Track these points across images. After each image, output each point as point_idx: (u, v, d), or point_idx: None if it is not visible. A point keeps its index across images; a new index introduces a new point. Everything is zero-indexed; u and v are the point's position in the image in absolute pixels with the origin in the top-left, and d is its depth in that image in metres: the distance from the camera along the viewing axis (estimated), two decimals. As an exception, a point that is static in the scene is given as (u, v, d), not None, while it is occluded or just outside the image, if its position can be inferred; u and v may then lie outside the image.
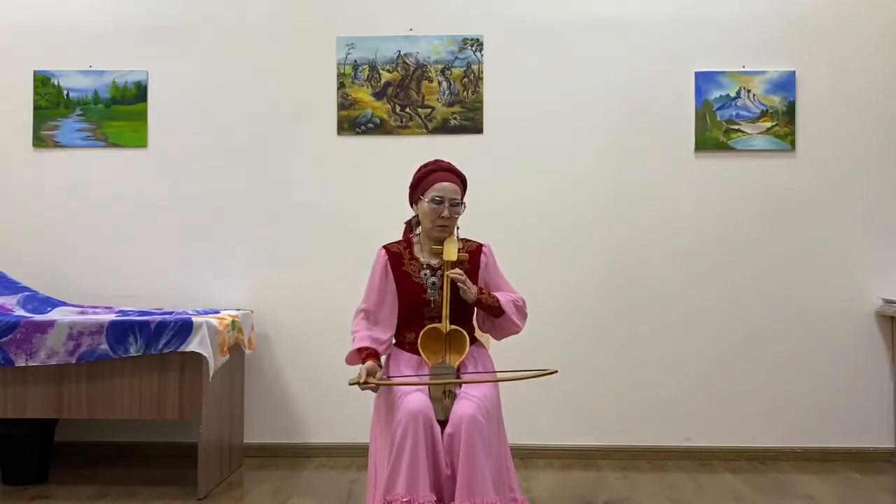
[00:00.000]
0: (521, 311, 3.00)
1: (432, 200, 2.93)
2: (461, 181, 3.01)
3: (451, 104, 4.37)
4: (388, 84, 4.38)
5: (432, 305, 2.93)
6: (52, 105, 4.42)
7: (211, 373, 3.62)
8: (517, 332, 3.02)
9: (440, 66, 4.37)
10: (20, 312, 3.91)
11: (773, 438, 4.28)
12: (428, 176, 2.97)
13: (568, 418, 4.31)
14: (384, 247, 3.04)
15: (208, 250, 4.39)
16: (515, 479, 2.93)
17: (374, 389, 2.81)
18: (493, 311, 2.93)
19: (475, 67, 4.37)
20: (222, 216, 4.39)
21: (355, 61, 4.38)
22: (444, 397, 2.76)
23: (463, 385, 2.81)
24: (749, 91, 4.32)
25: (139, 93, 4.41)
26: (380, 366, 2.87)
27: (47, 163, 4.42)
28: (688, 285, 4.31)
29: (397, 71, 4.38)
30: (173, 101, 4.41)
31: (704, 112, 4.33)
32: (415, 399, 2.70)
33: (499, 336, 3.05)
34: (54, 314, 3.94)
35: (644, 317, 4.31)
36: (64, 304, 4.18)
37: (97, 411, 3.62)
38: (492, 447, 2.72)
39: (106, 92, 4.41)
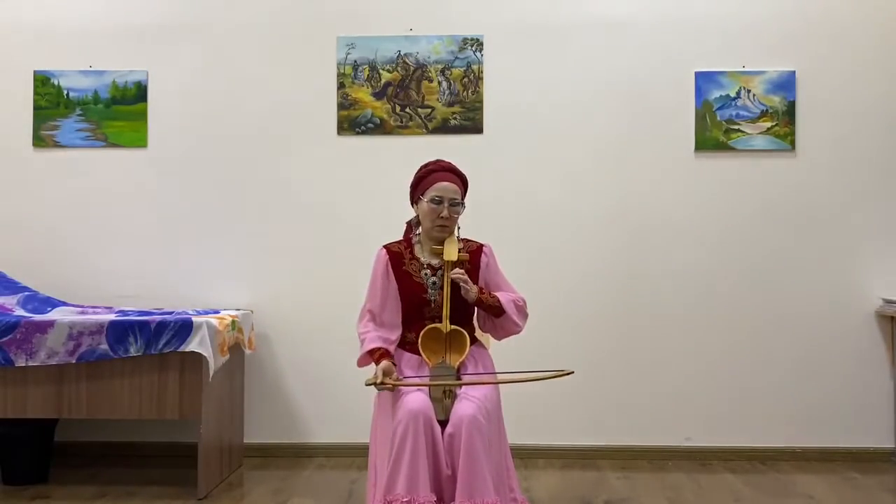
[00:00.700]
0: (522, 310, 3.00)
1: (432, 200, 2.93)
2: (461, 181, 3.02)
3: (451, 104, 4.37)
4: (388, 84, 4.38)
5: (433, 305, 2.93)
6: (52, 105, 4.42)
7: (211, 373, 3.62)
8: (518, 332, 3.02)
9: (440, 66, 4.37)
10: (20, 312, 3.91)
11: (773, 438, 4.28)
12: (428, 175, 2.98)
13: (568, 418, 4.31)
14: (385, 246, 3.04)
15: (208, 250, 4.39)
16: (515, 479, 2.93)
17: (391, 389, 2.80)
18: (494, 311, 2.94)
19: (475, 67, 4.37)
20: (222, 216, 4.39)
21: (355, 61, 4.38)
22: (444, 397, 2.75)
23: (464, 385, 2.81)
24: (749, 91, 4.32)
25: (139, 93, 4.41)
26: (394, 364, 2.86)
27: (47, 163, 4.42)
28: (688, 285, 4.31)
29: (397, 71, 4.38)
30: (173, 101, 4.41)
31: (704, 112, 4.33)
32: (415, 399, 2.70)
33: (499, 336, 3.05)
34: (54, 314, 3.94)
35: (644, 316, 4.31)
36: (64, 304, 4.18)
37: (97, 411, 3.62)
38: (492, 447, 2.72)
39: (106, 92, 4.41)
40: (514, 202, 4.33)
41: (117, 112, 4.42)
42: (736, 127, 4.32)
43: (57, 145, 4.42)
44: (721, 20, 4.34)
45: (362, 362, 2.93)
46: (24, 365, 3.59)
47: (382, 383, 2.76)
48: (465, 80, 4.36)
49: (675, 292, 4.32)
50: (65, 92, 4.42)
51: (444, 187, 2.94)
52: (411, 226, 3.12)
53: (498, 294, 2.96)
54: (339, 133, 4.39)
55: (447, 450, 2.67)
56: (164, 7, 4.42)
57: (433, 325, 2.88)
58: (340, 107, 4.39)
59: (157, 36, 4.42)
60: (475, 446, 2.64)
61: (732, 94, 4.32)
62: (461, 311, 2.93)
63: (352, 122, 4.38)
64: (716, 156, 4.34)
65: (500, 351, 3.15)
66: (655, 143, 4.34)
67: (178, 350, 3.58)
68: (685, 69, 4.34)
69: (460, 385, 2.80)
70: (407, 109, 4.38)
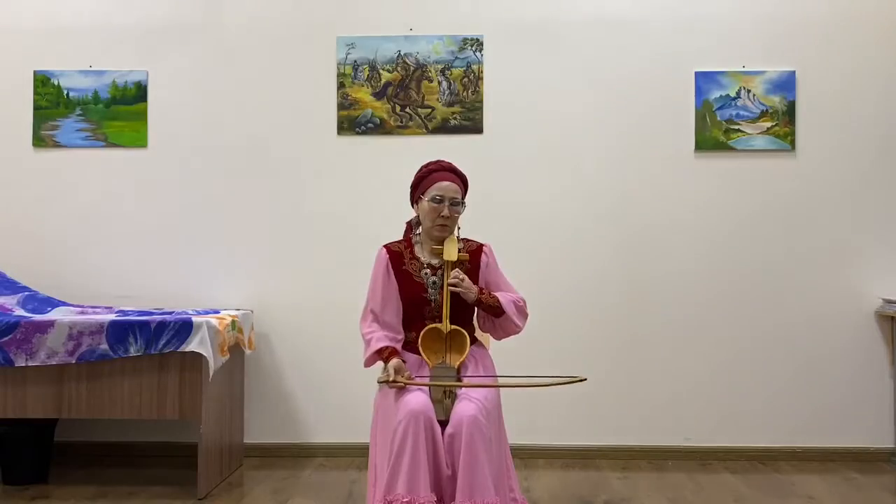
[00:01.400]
0: (522, 311, 3.00)
1: (432, 199, 2.93)
2: (462, 181, 3.02)
3: (451, 104, 4.37)
4: (388, 84, 4.38)
5: (433, 305, 2.93)
6: (52, 105, 4.42)
7: (211, 373, 3.62)
8: (517, 332, 3.02)
9: (440, 66, 4.37)
10: (20, 312, 3.91)
11: (773, 438, 4.28)
12: (428, 175, 2.98)
13: (568, 418, 4.31)
14: (385, 246, 3.04)
15: (208, 250, 4.39)
16: (515, 479, 2.93)
17: (403, 387, 2.78)
18: (494, 312, 2.94)
19: (475, 67, 4.37)
20: (222, 216, 4.39)
21: (355, 61, 4.38)
22: (444, 397, 2.75)
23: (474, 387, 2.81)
24: (749, 91, 4.32)
25: (139, 93, 4.41)
26: (404, 362, 2.86)
27: (47, 163, 4.42)
28: (687, 285, 4.32)
29: (397, 71, 4.38)
30: (173, 101, 4.41)
31: (704, 112, 4.33)
32: (415, 399, 2.70)
33: (499, 336, 3.05)
34: (54, 314, 3.94)
35: (644, 316, 4.31)
36: (64, 304, 4.18)
37: (97, 411, 3.62)
38: (492, 447, 2.72)
39: (106, 92, 4.42)
40: (514, 202, 4.33)
41: (117, 112, 4.42)
42: (736, 127, 4.32)
43: (57, 145, 4.43)
44: (721, 20, 4.34)
45: (370, 362, 2.92)
46: (24, 365, 3.59)
47: (394, 381, 2.76)
48: (465, 80, 4.37)
49: (675, 292, 4.32)
50: (65, 92, 4.42)
51: (445, 187, 2.95)
52: (411, 226, 3.12)
53: (498, 294, 2.96)
54: (339, 133, 4.39)
55: (448, 450, 2.67)
56: (164, 7, 4.42)
57: (433, 325, 2.88)
58: (340, 107, 4.39)
59: (157, 36, 4.42)
60: (476, 446, 2.64)
61: (732, 94, 4.32)
62: (461, 311, 2.93)
63: (352, 122, 4.38)
64: (716, 156, 4.34)
65: (501, 351, 3.15)
66: (655, 143, 4.34)
67: (178, 350, 3.58)
68: (685, 69, 4.34)
69: (473, 387, 2.79)
70: (407, 109, 4.38)
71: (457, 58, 4.37)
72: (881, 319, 4.29)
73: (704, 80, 4.32)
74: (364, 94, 4.38)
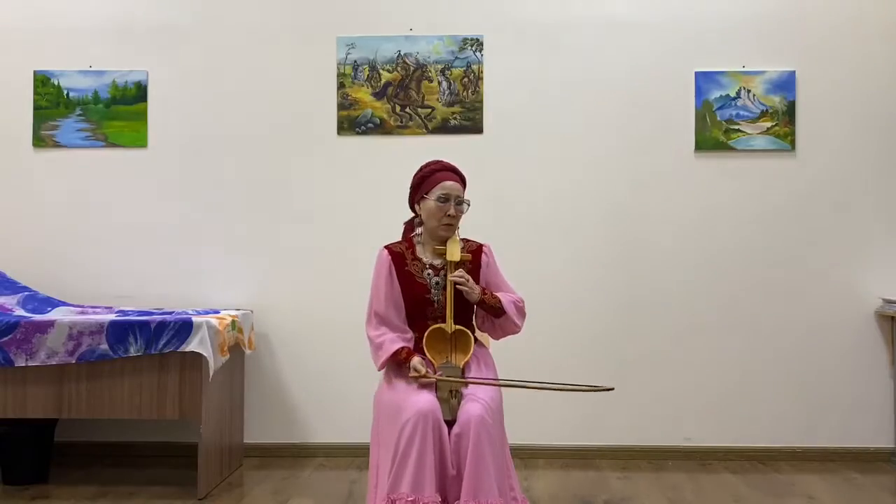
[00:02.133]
0: (521, 311, 3.01)
1: (438, 199, 2.94)
2: (462, 180, 3.03)
3: (451, 104, 4.37)
4: (388, 84, 4.38)
5: (436, 306, 2.94)
6: (52, 105, 4.42)
7: (211, 373, 3.62)
8: (517, 333, 3.02)
9: (440, 66, 4.37)
10: (20, 312, 3.91)
11: (773, 438, 4.28)
12: (431, 175, 2.98)
13: (568, 418, 4.31)
14: (386, 247, 3.03)
15: (208, 250, 4.39)
16: (515, 479, 2.93)
17: (434, 382, 2.78)
18: (495, 312, 2.94)
19: (475, 67, 4.37)
20: (222, 216, 4.39)
21: (355, 61, 4.38)
22: (450, 397, 2.76)
23: (470, 385, 2.81)
24: (749, 91, 4.32)
25: (139, 93, 4.41)
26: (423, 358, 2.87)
27: (47, 163, 4.42)
28: (687, 284, 4.31)
29: (397, 71, 4.38)
30: (173, 101, 4.41)
31: (704, 112, 4.33)
32: (423, 399, 2.71)
33: (497, 336, 3.05)
34: (54, 314, 3.94)
35: (643, 316, 4.31)
36: (64, 304, 4.18)
37: (97, 411, 3.62)
38: (495, 448, 2.72)
39: (106, 92, 4.42)
40: (514, 202, 4.33)
41: (117, 112, 4.42)
42: (736, 127, 4.32)
43: (57, 145, 4.42)
44: (721, 20, 4.34)
45: (384, 365, 2.91)
46: (24, 365, 3.59)
47: (425, 376, 2.76)
48: (465, 80, 4.37)
49: (675, 292, 4.32)
50: (65, 92, 4.42)
51: (450, 186, 2.96)
52: (412, 226, 3.11)
53: (499, 295, 2.97)
54: (339, 133, 4.39)
55: (454, 450, 2.68)
56: (164, 7, 4.42)
57: (437, 326, 2.89)
58: (340, 107, 4.39)
59: (157, 36, 4.42)
60: (482, 447, 2.64)
61: (732, 94, 4.32)
62: (462, 311, 2.93)
63: (352, 122, 4.38)
64: (716, 156, 4.34)
65: (501, 351, 3.15)
66: (655, 143, 4.34)
67: (178, 350, 3.58)
68: (685, 69, 4.34)
69: (497, 384, 2.82)
70: (407, 109, 4.38)
71: (457, 58, 4.37)
72: (881, 319, 4.29)
73: (704, 80, 4.32)
74: (364, 94, 4.38)
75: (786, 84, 4.32)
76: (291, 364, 4.36)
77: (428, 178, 2.99)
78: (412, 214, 3.10)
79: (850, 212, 4.31)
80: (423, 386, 2.78)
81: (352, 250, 4.26)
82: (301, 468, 4.13)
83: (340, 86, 4.39)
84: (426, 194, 2.97)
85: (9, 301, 4.00)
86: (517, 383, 2.84)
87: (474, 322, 3.06)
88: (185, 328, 3.59)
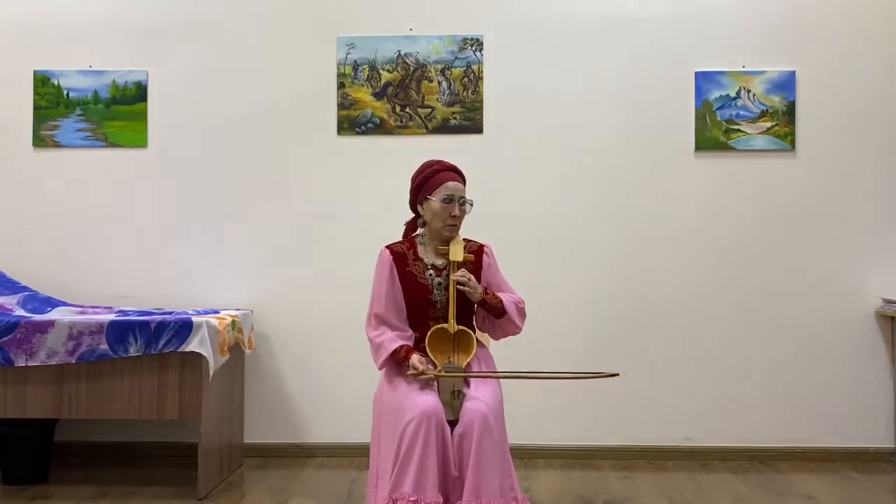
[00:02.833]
0: (522, 312, 3.01)
1: (443, 199, 2.94)
2: (464, 180, 3.04)
3: (451, 104, 4.37)
4: (388, 84, 4.38)
5: (437, 306, 2.94)
6: (52, 105, 4.42)
7: (211, 373, 3.62)
8: (517, 333, 3.03)
9: (440, 66, 4.37)
10: (20, 312, 3.91)
11: (773, 438, 4.28)
12: (433, 176, 2.98)
13: (568, 418, 4.31)
14: (387, 247, 3.04)
15: (208, 250, 4.39)
16: (516, 479, 2.93)
17: (433, 379, 2.79)
18: (496, 312, 2.94)
19: (475, 67, 4.37)
20: (222, 216, 4.39)
21: (355, 61, 4.38)
22: (453, 398, 2.76)
23: (471, 386, 2.81)
24: (749, 91, 4.32)
25: (139, 93, 4.41)
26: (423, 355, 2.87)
27: (47, 163, 4.42)
28: (687, 285, 4.31)
29: (397, 71, 4.38)
30: (173, 101, 4.41)
31: (704, 112, 4.33)
32: (426, 399, 2.71)
33: (497, 336, 3.06)
34: (54, 314, 3.94)
35: (643, 316, 4.31)
36: (64, 304, 4.18)
37: (97, 411, 3.62)
38: (497, 448, 2.72)
39: (106, 92, 4.42)
40: (514, 202, 4.33)
41: (117, 112, 4.42)
42: (736, 127, 4.32)
43: (57, 145, 4.42)
44: (721, 20, 4.34)
45: (385, 364, 2.92)
46: (24, 365, 3.59)
47: (423, 373, 2.77)
48: (465, 80, 4.37)
49: (675, 292, 4.31)
50: (65, 92, 4.42)
51: (454, 186, 2.96)
52: (414, 226, 3.11)
53: (500, 295, 2.97)
54: (339, 133, 4.39)
55: (456, 450, 2.68)
56: (164, 7, 4.42)
57: (440, 326, 2.89)
58: (340, 107, 4.39)
59: (157, 36, 4.42)
60: (485, 447, 2.65)
61: (732, 94, 4.32)
62: (463, 312, 2.93)
63: (352, 122, 4.38)
64: (716, 156, 4.34)
65: (501, 351, 3.15)
66: (655, 143, 4.34)
67: (178, 350, 3.58)
68: (685, 69, 4.34)
69: (504, 377, 2.85)
70: (407, 109, 4.38)
71: (457, 58, 4.37)
72: (881, 319, 4.29)
73: (704, 80, 4.32)
74: (364, 94, 4.38)
75: (786, 84, 4.32)
76: (291, 364, 4.36)
77: (431, 178, 2.98)
78: (413, 214, 3.10)
79: (850, 212, 4.31)
80: (425, 385, 2.78)
81: (352, 250, 4.26)
82: (301, 468, 4.13)
83: (340, 86, 4.39)
84: (430, 195, 2.97)
85: (9, 301, 4.00)
86: (519, 375, 2.84)
87: (475, 322, 3.06)
88: (185, 328, 3.59)
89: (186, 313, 3.90)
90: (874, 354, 4.28)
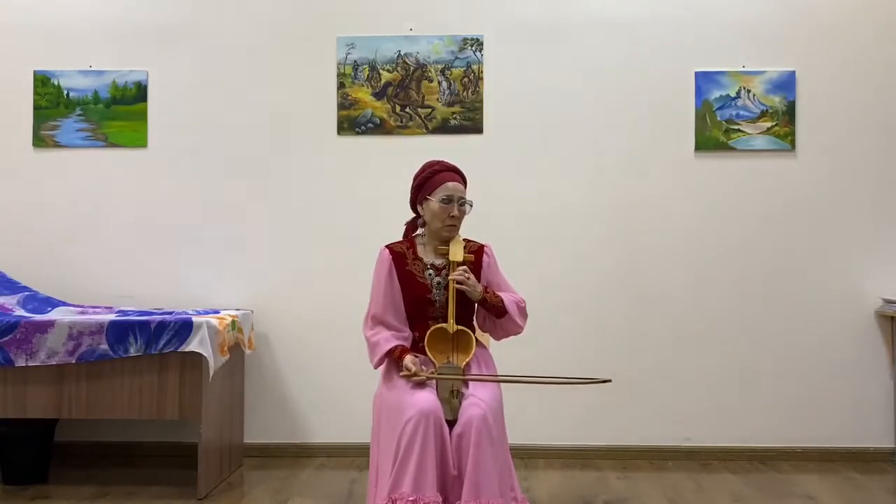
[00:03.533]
0: (523, 311, 3.01)
1: (442, 200, 2.94)
2: (464, 181, 3.04)
3: (451, 104, 4.37)
4: (388, 84, 4.38)
5: (437, 306, 2.94)
6: (52, 105, 4.42)
7: (211, 373, 3.62)
8: (518, 333, 3.02)
9: (440, 66, 4.37)
10: (20, 312, 3.91)
11: (773, 438, 4.28)
12: (433, 176, 2.99)
13: (568, 418, 4.31)
14: (387, 246, 3.04)
15: (208, 250, 4.39)
16: (516, 479, 2.93)
17: (426, 381, 2.79)
18: (497, 311, 2.94)
19: (475, 67, 4.37)
20: (222, 216, 4.39)
21: (355, 61, 4.38)
22: (451, 397, 2.76)
23: (470, 386, 2.82)
24: (749, 91, 4.32)
25: (139, 93, 4.41)
26: (416, 356, 2.88)
27: (47, 163, 4.42)
28: (687, 284, 4.31)
29: (397, 71, 4.38)
30: (173, 101, 4.41)
31: (704, 112, 4.33)
32: (425, 398, 2.71)
33: (499, 336, 3.05)
34: (54, 314, 3.94)
35: (644, 316, 4.31)
36: (64, 304, 4.18)
37: (97, 411, 3.62)
38: (496, 447, 2.72)
39: (106, 92, 4.41)
40: (514, 202, 4.33)
41: (117, 112, 4.42)
42: (736, 127, 4.32)
43: (57, 145, 4.42)
44: (721, 20, 4.34)
45: (380, 363, 2.92)
46: (24, 365, 3.59)
47: (415, 374, 2.77)
48: (465, 80, 4.37)
49: (675, 291, 4.31)
50: (65, 92, 4.42)
51: (453, 187, 2.97)
52: (414, 226, 3.11)
53: (501, 294, 2.97)
54: (339, 133, 4.39)
55: (455, 450, 2.68)
56: (164, 7, 4.42)
57: (439, 326, 2.89)
58: (340, 107, 4.39)
59: (157, 36, 4.42)
60: (483, 447, 2.65)
61: (732, 94, 4.32)
62: (463, 312, 2.93)
63: (352, 122, 4.38)
64: (716, 156, 4.34)
65: (501, 351, 3.15)
66: (655, 143, 4.34)
67: (178, 350, 3.58)
68: (685, 69, 4.34)
69: (494, 380, 2.83)
70: (407, 109, 4.38)
71: (457, 58, 4.37)
72: (881, 319, 4.29)
73: (704, 80, 4.32)
74: (364, 94, 4.38)
75: (786, 84, 4.32)
76: (291, 364, 4.36)
77: (430, 178, 2.99)
78: (413, 214, 3.10)
79: (850, 212, 4.31)
80: (420, 385, 2.78)
81: (352, 250, 4.26)
82: (301, 468, 4.13)
83: (340, 86, 4.39)
84: (429, 195, 2.97)
85: (9, 301, 4.00)
86: (513, 378, 2.84)
87: (475, 322, 3.06)
88: (185, 328, 3.59)
89: (186, 313, 3.90)
90: (874, 354, 4.28)
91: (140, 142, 4.41)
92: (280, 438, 4.34)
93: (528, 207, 4.33)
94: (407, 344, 2.92)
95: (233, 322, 3.91)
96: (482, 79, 4.37)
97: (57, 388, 3.61)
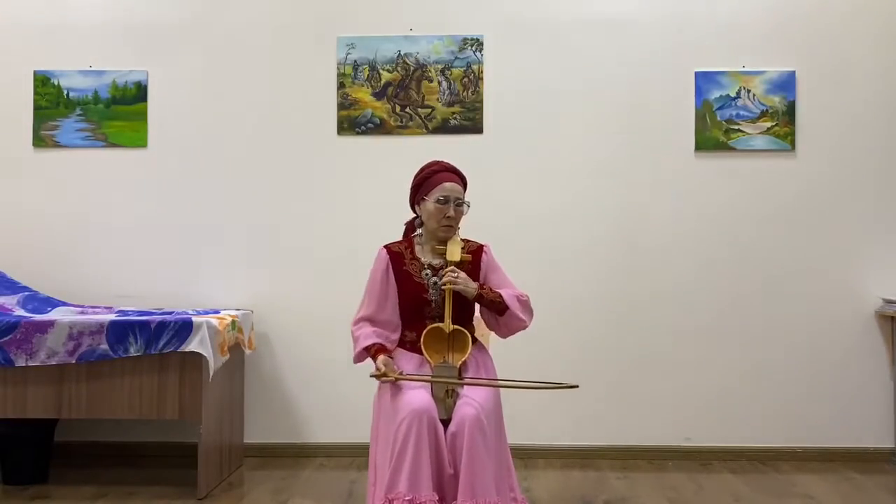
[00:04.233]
0: (526, 305, 2.99)
1: (437, 200, 2.94)
2: (462, 181, 3.03)
3: (451, 104, 4.37)
4: (388, 84, 4.38)
5: (433, 305, 2.94)
6: (52, 105, 4.42)
7: (211, 373, 3.62)
8: (524, 328, 3.01)
9: (440, 66, 4.37)
10: (20, 312, 3.91)
11: (773, 438, 4.28)
12: (431, 177, 2.99)
13: (568, 418, 4.31)
14: (385, 246, 3.05)
15: (208, 250, 4.39)
16: (515, 479, 2.93)
17: (394, 382, 2.80)
18: (497, 307, 2.93)
19: (475, 67, 4.37)
20: (222, 216, 4.39)
21: (355, 61, 4.38)
22: (446, 397, 2.76)
23: (465, 385, 2.81)
24: (749, 91, 4.32)
25: (139, 93, 4.41)
26: (392, 358, 2.88)
27: (47, 163, 4.42)
28: (687, 284, 4.31)
29: (397, 71, 4.38)
30: (173, 101, 4.41)
31: (704, 112, 4.33)
32: (418, 397, 2.71)
33: (504, 334, 3.04)
34: (54, 314, 3.94)
35: (643, 316, 4.31)
36: (64, 304, 4.18)
37: (97, 411, 3.62)
38: (492, 447, 2.72)
39: (106, 92, 4.41)
40: (514, 202, 4.33)
41: (117, 112, 4.42)
42: (736, 127, 4.32)
43: (57, 145, 4.42)
44: (721, 20, 4.34)
45: (358, 359, 2.95)
46: (24, 365, 3.59)
47: (385, 375, 2.77)
48: (465, 80, 4.36)
49: (675, 292, 4.31)
50: (65, 92, 4.42)
51: (450, 188, 2.96)
52: (412, 226, 3.12)
53: (500, 290, 2.96)
54: (339, 133, 4.39)
55: (450, 449, 2.68)
56: (164, 7, 4.42)
57: (435, 325, 2.89)
58: (340, 107, 4.39)
59: (157, 36, 4.42)
60: (477, 446, 2.65)
61: (732, 94, 4.32)
62: (461, 311, 2.93)
63: (352, 122, 4.38)
64: (716, 156, 4.34)
65: (501, 351, 3.15)
66: (655, 144, 4.34)
67: (178, 350, 3.58)
68: (685, 69, 4.33)
69: (462, 384, 2.81)
70: (407, 109, 4.38)
71: (457, 58, 4.37)
72: (881, 319, 4.29)
73: (704, 80, 4.32)
74: (364, 94, 4.38)
75: (786, 84, 4.32)
76: (291, 364, 4.36)
77: (428, 179, 2.99)
78: (413, 214, 3.11)
79: (850, 212, 4.31)
80: (419, 384, 2.78)
81: (352, 250, 4.25)
82: (301, 468, 4.13)
83: (340, 86, 4.39)
84: (426, 196, 2.98)
85: (9, 301, 4.00)
86: (478, 382, 2.82)
87: (475, 322, 3.06)
88: (185, 328, 3.59)
89: (186, 313, 3.90)
90: (874, 354, 4.28)
91: (140, 142, 4.41)
92: (280, 438, 4.34)
93: (527, 207, 4.33)
94: (389, 345, 2.92)
95: (233, 322, 3.91)
96: (482, 79, 4.37)
97: (57, 388, 3.61)
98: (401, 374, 2.82)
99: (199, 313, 3.90)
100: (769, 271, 4.31)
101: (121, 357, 3.59)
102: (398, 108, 4.38)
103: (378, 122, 4.37)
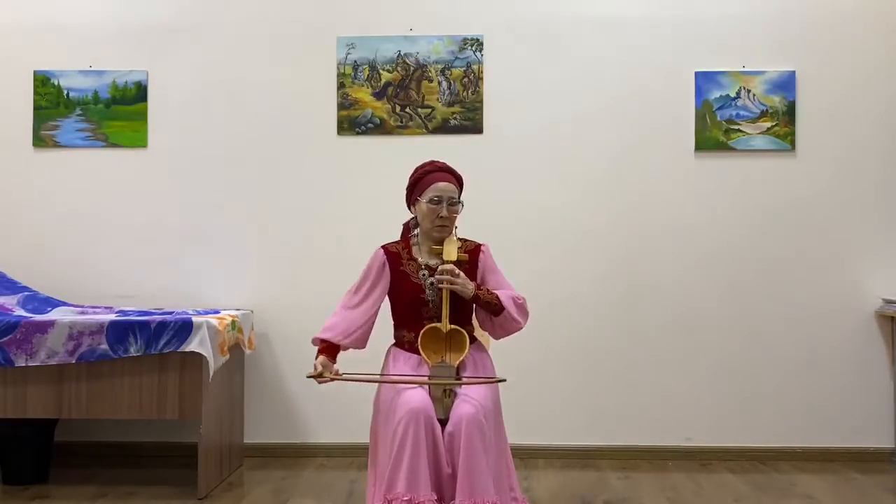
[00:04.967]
0: (522, 307, 2.99)
1: (430, 201, 2.94)
2: (457, 181, 3.03)
3: (451, 104, 4.37)
4: (388, 84, 4.38)
5: (430, 306, 2.94)
6: (52, 105, 4.42)
7: (211, 373, 3.62)
8: (519, 330, 3.01)
9: (440, 66, 4.37)
10: (20, 312, 3.91)
11: (773, 438, 4.28)
12: (425, 177, 2.99)
13: (568, 418, 4.31)
14: (383, 247, 3.05)
15: (208, 250, 4.39)
16: (515, 479, 2.93)
17: (328, 382, 2.83)
18: (493, 308, 2.93)
19: (475, 67, 4.37)
20: (222, 216, 4.39)
21: (355, 61, 4.38)
22: (444, 396, 2.76)
23: (463, 385, 2.81)
24: (749, 91, 4.32)
25: (139, 93, 4.41)
26: (333, 361, 2.89)
27: (47, 163, 4.42)
28: (687, 285, 4.31)
29: (397, 71, 4.38)
30: (173, 101, 4.41)
31: (704, 112, 4.33)
32: (416, 397, 2.71)
33: (499, 335, 3.04)
34: (54, 314, 3.94)
35: (643, 316, 4.31)
36: (64, 304, 4.18)
37: (97, 411, 3.62)
38: (491, 446, 2.72)
39: (106, 92, 4.41)
40: (514, 202, 4.33)
41: (117, 112, 4.42)
42: (736, 127, 4.32)
43: (57, 145, 4.42)
44: (721, 20, 4.34)
45: (314, 342, 2.97)
46: (24, 365, 3.59)
47: (321, 375, 2.79)
48: (465, 80, 4.36)
49: (675, 291, 4.31)
50: (65, 92, 4.42)
51: (443, 187, 2.96)
52: (409, 227, 3.12)
53: (497, 292, 2.96)
54: (339, 133, 4.39)
55: (448, 448, 2.68)
56: (164, 7, 4.42)
57: (433, 325, 2.88)
58: (340, 107, 4.39)
59: (157, 36, 4.42)
60: (475, 445, 2.64)
61: (732, 94, 4.32)
62: (459, 311, 2.93)
63: (352, 122, 4.38)
64: (716, 156, 4.33)
65: (501, 350, 3.15)
66: (655, 143, 4.34)
67: (178, 350, 3.58)
68: (685, 69, 4.33)
69: (363, 380, 2.83)
70: (407, 109, 4.38)
71: (457, 58, 4.37)
72: (881, 319, 4.29)
73: (704, 80, 4.32)
74: (364, 94, 4.38)
75: (786, 84, 4.32)
76: (291, 364, 4.35)
77: (421, 179, 2.99)
78: (411, 215, 3.11)
79: (850, 212, 4.31)
80: (414, 384, 2.78)
81: (352, 250, 4.23)
82: (301, 468, 4.13)
83: (340, 86, 4.39)
84: (420, 196, 2.98)
85: (9, 301, 4.00)
86: (403, 379, 2.80)
87: (474, 322, 3.06)
88: (185, 328, 3.59)
89: (186, 313, 3.90)
90: (874, 354, 4.28)
91: (140, 142, 4.41)
92: (280, 438, 4.34)
93: (527, 207, 4.33)
94: (346, 342, 2.92)
95: (233, 322, 3.91)
96: (482, 79, 4.37)
97: (57, 388, 3.61)
98: (342, 374, 2.83)
99: (199, 313, 3.90)
100: (769, 271, 4.31)
101: (121, 357, 3.59)
102: (398, 108, 4.38)
103: (378, 122, 4.37)
